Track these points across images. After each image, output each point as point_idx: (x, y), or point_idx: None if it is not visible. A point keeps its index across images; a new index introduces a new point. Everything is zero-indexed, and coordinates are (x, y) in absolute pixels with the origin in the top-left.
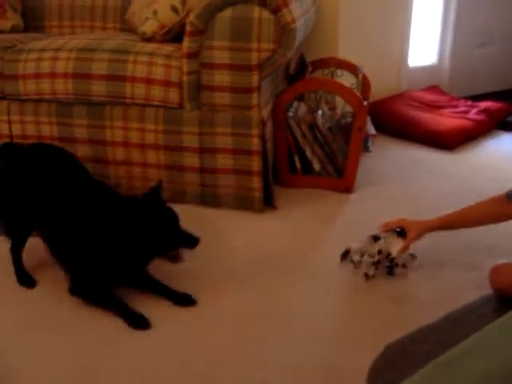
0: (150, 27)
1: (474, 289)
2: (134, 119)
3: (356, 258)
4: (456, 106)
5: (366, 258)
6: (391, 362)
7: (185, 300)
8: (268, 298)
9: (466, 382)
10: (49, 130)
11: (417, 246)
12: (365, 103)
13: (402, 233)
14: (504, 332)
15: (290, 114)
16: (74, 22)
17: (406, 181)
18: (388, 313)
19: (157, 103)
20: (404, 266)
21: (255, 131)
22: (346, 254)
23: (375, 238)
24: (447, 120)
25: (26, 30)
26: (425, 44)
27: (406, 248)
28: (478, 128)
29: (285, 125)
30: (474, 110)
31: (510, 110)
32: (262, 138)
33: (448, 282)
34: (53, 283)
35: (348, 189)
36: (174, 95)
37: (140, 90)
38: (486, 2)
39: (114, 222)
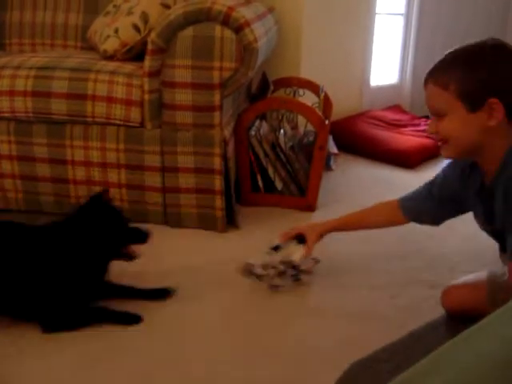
0: (111, 45)
1: (437, 306)
2: (94, 138)
3: (259, 270)
4: (417, 125)
5: (270, 270)
6: (355, 378)
7: (160, 293)
8: (229, 316)
9: None
10: (7, 149)
11: (378, 266)
12: (326, 122)
13: (301, 239)
14: (463, 347)
15: (252, 132)
16: (35, 40)
17: (368, 199)
18: (352, 331)
19: (118, 122)
20: (309, 271)
21: (217, 150)
22: (248, 270)
23: (275, 249)
24: (408, 139)
25: None
26: (386, 64)
27: (308, 253)
28: (439, 146)
29: (247, 144)
30: None
31: None
32: (224, 157)
33: (412, 300)
34: None
35: (310, 207)
36: (135, 114)
37: (101, 108)
38: (445, 23)
39: (62, 242)
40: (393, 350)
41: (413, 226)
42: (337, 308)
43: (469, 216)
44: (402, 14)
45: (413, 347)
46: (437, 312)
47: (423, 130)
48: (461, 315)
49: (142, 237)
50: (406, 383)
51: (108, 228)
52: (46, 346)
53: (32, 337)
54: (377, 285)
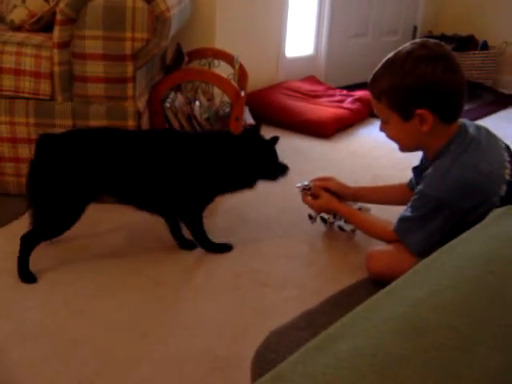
0: (18, 15)
1: (355, 271)
2: (2, 112)
3: (323, 215)
4: (332, 96)
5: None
6: (274, 346)
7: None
8: (149, 291)
9: (336, 364)
10: None
11: (294, 235)
12: (242, 93)
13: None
14: (372, 312)
15: (167, 104)
16: None
17: None
18: (270, 300)
19: (27, 95)
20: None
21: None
22: (311, 217)
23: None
24: (324, 109)
25: None
26: (302, 35)
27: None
28: (354, 116)
29: (162, 116)
30: (349, 99)
31: None
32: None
33: (328, 267)
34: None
35: None
36: (44, 87)
37: (8, 81)
38: None
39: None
40: (310, 317)
41: None
42: (254, 276)
43: None
44: None
45: (330, 313)
46: (353, 278)
47: (338, 101)
48: (387, 279)
49: (281, 171)
50: (313, 350)
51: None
52: None
53: None
54: (295, 253)
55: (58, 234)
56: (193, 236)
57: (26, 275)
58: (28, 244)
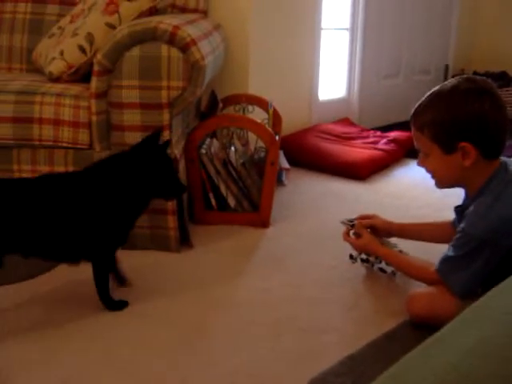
0: (56, 67)
1: (393, 316)
2: (42, 162)
3: (363, 255)
4: (366, 137)
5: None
6: None
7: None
8: (184, 339)
9: None
10: None
11: (334, 279)
12: (277, 138)
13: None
14: (418, 361)
15: (203, 151)
16: None
17: (321, 212)
18: (310, 346)
19: (66, 144)
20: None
21: None
22: (352, 257)
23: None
24: (358, 151)
25: None
26: (334, 78)
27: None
28: (388, 157)
29: (198, 162)
30: (384, 140)
31: None
32: None
33: (368, 311)
34: None
35: (264, 223)
36: (83, 136)
37: (48, 131)
38: (389, 36)
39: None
40: (351, 363)
41: None
42: (293, 322)
43: None
44: (347, 29)
45: (371, 359)
46: (394, 321)
47: (372, 142)
48: (428, 321)
49: (179, 190)
50: None
51: (157, 173)
52: None
53: None
54: (335, 297)
55: None
56: (96, 279)
57: None
58: None
